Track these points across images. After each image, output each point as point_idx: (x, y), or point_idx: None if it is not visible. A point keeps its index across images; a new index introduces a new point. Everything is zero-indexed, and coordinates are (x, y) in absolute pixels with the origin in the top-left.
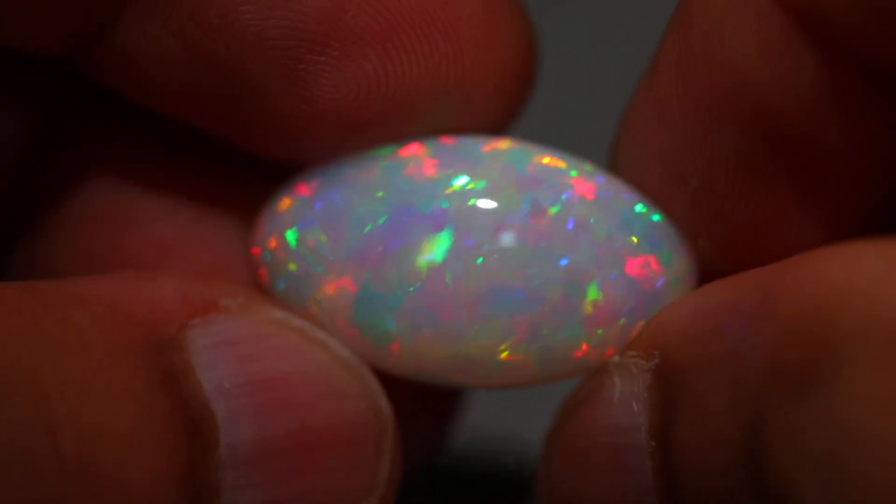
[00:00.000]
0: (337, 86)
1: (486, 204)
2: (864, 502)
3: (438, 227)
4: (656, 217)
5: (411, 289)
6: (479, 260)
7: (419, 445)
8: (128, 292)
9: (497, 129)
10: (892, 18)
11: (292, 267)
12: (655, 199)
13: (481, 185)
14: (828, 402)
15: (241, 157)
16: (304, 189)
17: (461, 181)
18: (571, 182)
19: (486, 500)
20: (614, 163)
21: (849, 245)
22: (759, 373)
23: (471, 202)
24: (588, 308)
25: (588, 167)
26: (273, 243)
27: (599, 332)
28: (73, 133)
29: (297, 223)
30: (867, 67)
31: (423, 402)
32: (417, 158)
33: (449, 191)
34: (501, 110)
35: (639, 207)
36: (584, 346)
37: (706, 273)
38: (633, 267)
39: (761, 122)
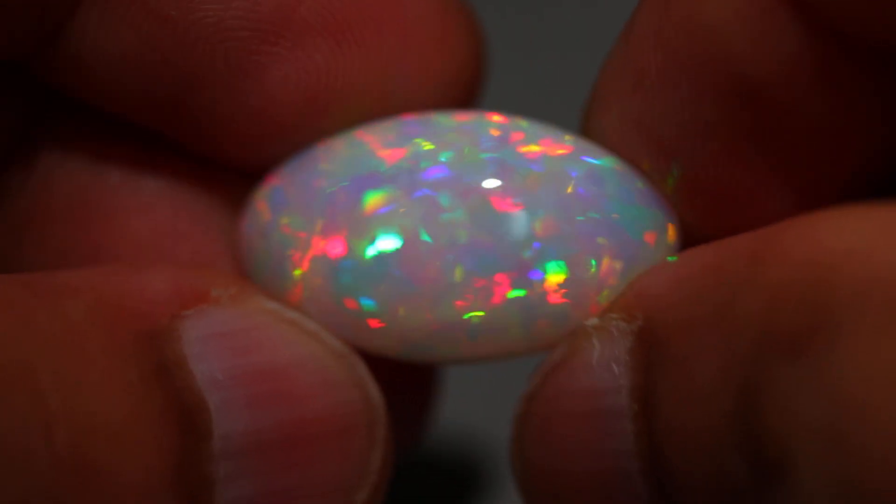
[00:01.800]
0: (287, 76)
1: (454, 166)
2: (861, 470)
3: (407, 193)
4: (632, 176)
5: (385, 256)
6: (451, 223)
7: (403, 433)
8: (120, 283)
9: None
10: None
11: (269, 252)
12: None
13: (446, 149)
14: (824, 367)
15: None
16: (277, 176)
17: (425, 146)
18: (537, 139)
19: (466, 489)
20: (586, 131)
21: (839, 210)
22: (751, 337)
23: (437, 166)
24: (563, 261)
25: (559, 132)
26: (251, 233)
27: (577, 284)
28: (48, 127)
29: (271, 208)
30: (848, 39)
31: (403, 389)
32: (382, 132)
33: (413, 156)
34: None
35: (612, 164)
36: (563, 300)
37: (689, 238)
38: (606, 218)
39: (741, 91)
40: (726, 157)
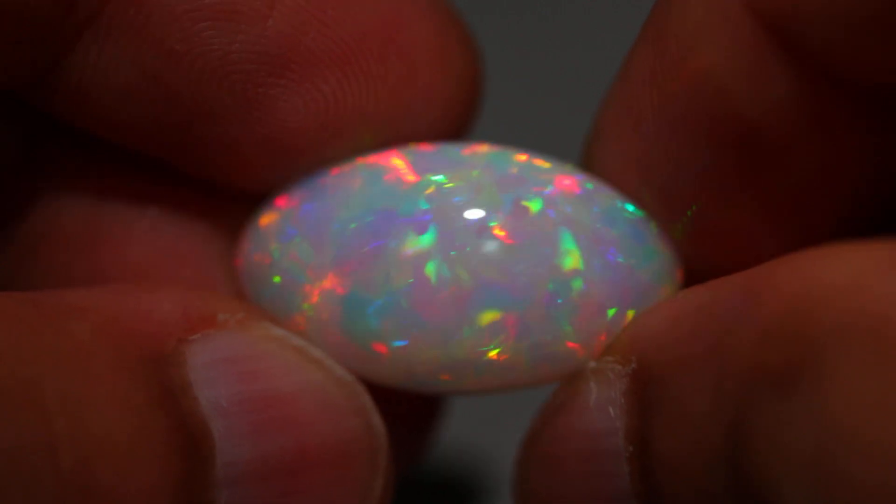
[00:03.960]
0: (296, 108)
1: (469, 203)
2: (849, 498)
3: (421, 229)
4: (640, 214)
5: (397, 292)
6: (464, 260)
7: (402, 455)
8: (127, 305)
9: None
10: (868, 36)
11: (276, 279)
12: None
13: (462, 185)
14: (812, 401)
15: None
16: (286, 201)
17: (441, 182)
18: (553, 179)
19: None
20: (586, 167)
21: (830, 247)
22: (741, 373)
23: (453, 202)
24: (575, 303)
25: (570, 167)
26: (256, 257)
27: (587, 327)
28: (54, 154)
29: (280, 235)
30: (843, 83)
31: (405, 411)
32: (397, 164)
33: (430, 192)
34: (448, 131)
35: (622, 203)
36: (573, 343)
37: (692, 275)
38: (618, 261)
39: (736, 135)
40: (723, 197)
